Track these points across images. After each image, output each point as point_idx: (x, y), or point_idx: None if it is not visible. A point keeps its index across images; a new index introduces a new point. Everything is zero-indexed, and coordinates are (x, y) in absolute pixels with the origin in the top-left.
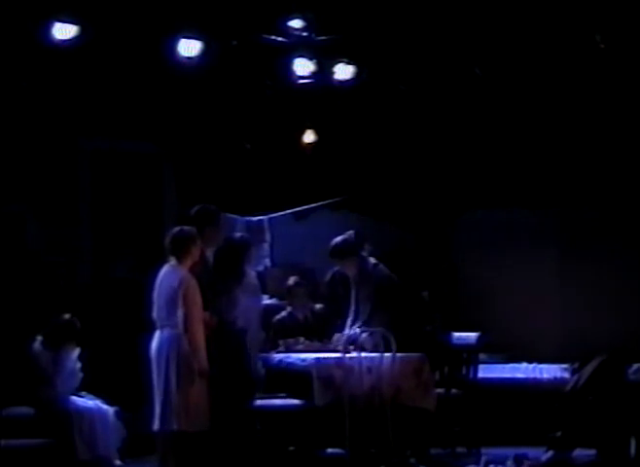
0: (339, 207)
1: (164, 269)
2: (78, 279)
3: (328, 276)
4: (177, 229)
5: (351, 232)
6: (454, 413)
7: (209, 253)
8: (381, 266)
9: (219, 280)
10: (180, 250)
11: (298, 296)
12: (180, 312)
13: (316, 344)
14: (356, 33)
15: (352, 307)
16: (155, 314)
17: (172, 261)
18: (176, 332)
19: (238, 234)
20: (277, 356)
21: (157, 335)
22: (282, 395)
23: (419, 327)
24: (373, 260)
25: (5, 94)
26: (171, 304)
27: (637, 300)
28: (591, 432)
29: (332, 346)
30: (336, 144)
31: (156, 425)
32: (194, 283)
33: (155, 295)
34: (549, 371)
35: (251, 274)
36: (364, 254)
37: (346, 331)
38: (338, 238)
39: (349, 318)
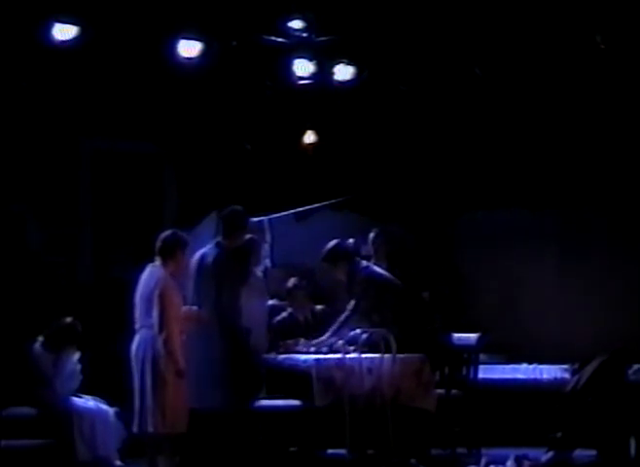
0: (340, 208)
1: (146, 270)
2: (78, 279)
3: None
4: (169, 231)
5: (351, 240)
6: (454, 413)
7: None
8: (373, 267)
9: (225, 280)
10: (166, 253)
11: (298, 297)
12: (155, 313)
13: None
14: (356, 34)
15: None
16: (135, 315)
17: (157, 261)
18: (152, 332)
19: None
20: (278, 357)
21: (136, 335)
22: (282, 396)
23: (420, 327)
24: (364, 263)
25: (5, 95)
26: (147, 304)
27: (637, 300)
28: (592, 432)
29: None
30: (336, 145)
31: (134, 427)
32: (171, 284)
33: (136, 295)
34: (549, 371)
35: (258, 275)
36: (357, 259)
37: (357, 330)
38: (331, 244)
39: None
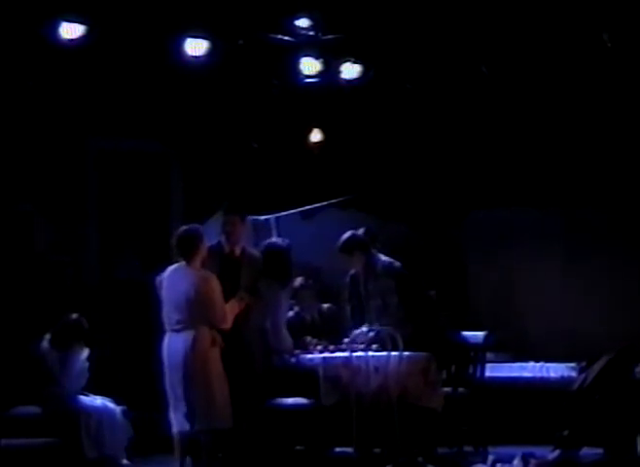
0: (347, 206)
1: (176, 270)
2: (84, 279)
3: (347, 278)
4: (182, 228)
5: (362, 229)
6: (461, 411)
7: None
8: (391, 260)
9: (265, 284)
10: (188, 249)
11: (304, 296)
12: (215, 310)
13: (323, 343)
14: (362, 32)
15: (364, 304)
16: (169, 316)
17: (182, 261)
18: (195, 333)
19: (277, 239)
20: (285, 356)
21: (172, 337)
22: (289, 394)
23: (427, 325)
24: (383, 256)
25: (11, 94)
26: (195, 305)
27: None
28: (598, 431)
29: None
30: (342, 143)
31: (180, 426)
32: (214, 279)
33: (167, 297)
34: (556, 370)
35: None
36: (373, 251)
37: (364, 328)
38: (347, 234)
39: (366, 315)
